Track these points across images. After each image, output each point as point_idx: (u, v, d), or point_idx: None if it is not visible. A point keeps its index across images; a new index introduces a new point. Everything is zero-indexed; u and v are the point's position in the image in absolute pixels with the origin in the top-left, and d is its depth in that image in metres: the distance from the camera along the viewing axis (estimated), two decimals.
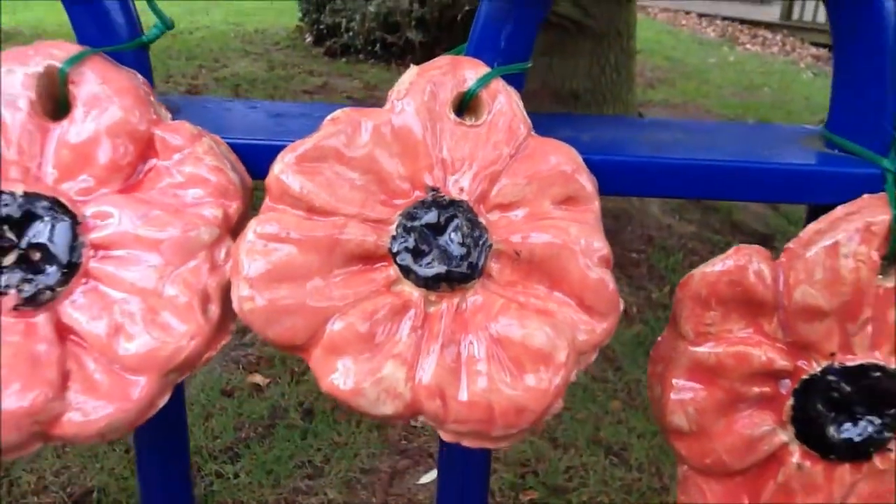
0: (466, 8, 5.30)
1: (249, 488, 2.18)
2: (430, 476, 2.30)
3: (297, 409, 2.47)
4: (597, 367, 2.74)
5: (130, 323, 0.26)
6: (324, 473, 2.27)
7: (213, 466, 2.27)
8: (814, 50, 7.69)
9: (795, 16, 7.96)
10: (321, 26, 5.64)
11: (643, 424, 2.54)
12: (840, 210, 0.30)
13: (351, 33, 5.46)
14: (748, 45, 7.81)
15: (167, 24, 0.31)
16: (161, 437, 0.37)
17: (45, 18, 6.53)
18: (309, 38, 5.89)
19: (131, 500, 2.09)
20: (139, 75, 0.30)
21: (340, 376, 0.26)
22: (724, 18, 8.59)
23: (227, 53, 5.73)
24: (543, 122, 0.30)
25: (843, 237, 0.29)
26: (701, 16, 8.71)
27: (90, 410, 0.26)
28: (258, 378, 2.58)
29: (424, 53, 5.46)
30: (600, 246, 0.28)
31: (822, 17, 7.97)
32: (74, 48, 0.28)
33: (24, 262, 0.26)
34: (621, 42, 3.66)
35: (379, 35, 5.40)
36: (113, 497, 2.11)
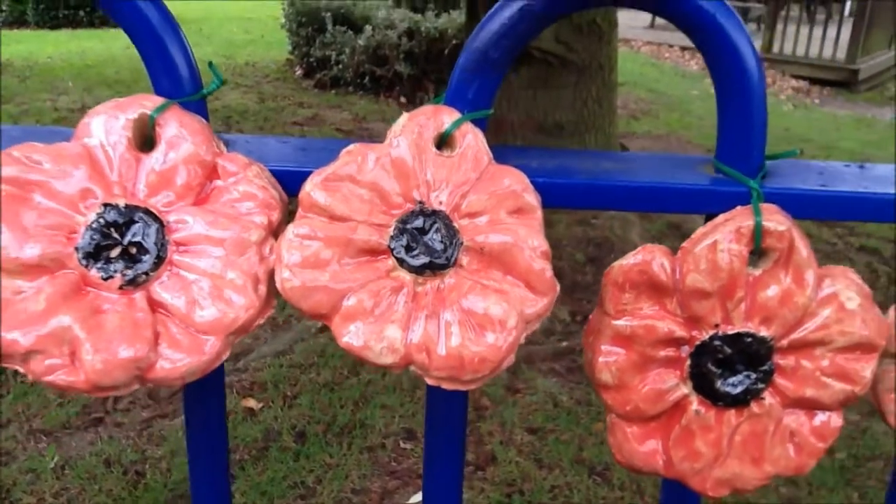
0: (454, 42, 5.46)
1: None
2: (419, 496, 2.39)
3: (290, 433, 2.57)
4: (581, 391, 2.84)
5: (202, 298, 0.37)
6: (316, 494, 2.36)
7: None
8: (794, 82, 7.90)
9: (776, 49, 8.17)
10: (311, 59, 5.80)
11: None
12: (720, 217, 0.41)
13: (340, 66, 5.62)
14: None
15: (221, 80, 0.42)
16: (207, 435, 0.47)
17: (35, 51, 6.66)
18: (299, 71, 6.05)
19: None
20: (203, 119, 0.41)
21: (353, 336, 0.37)
22: None
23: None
24: (508, 152, 0.42)
25: (720, 237, 0.40)
26: (683, 49, 8.93)
27: (175, 360, 0.36)
28: (252, 402, 2.66)
29: (412, 85, 5.62)
30: (541, 244, 0.39)
31: (801, 50, 8.19)
32: (159, 100, 0.40)
33: (126, 255, 0.37)
34: (603, 75, 3.81)
35: (368, 68, 5.56)
36: None
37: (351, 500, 2.20)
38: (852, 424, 2.62)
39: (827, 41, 8.02)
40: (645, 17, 9.42)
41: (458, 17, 5.64)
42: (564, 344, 2.99)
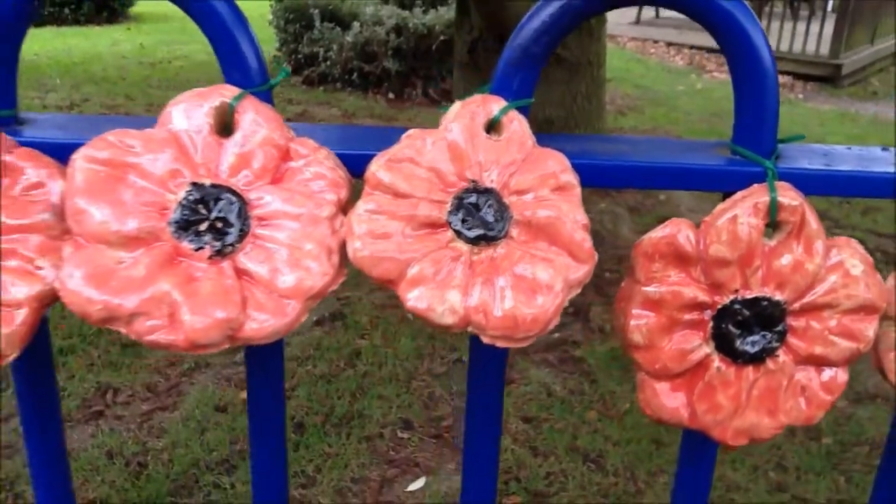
0: (441, 38, 5.51)
1: (246, 497, 2.31)
2: (418, 484, 2.44)
3: (288, 423, 2.60)
4: (574, 381, 2.90)
5: (283, 266, 0.42)
6: (316, 483, 2.41)
7: (210, 478, 2.40)
8: (779, 77, 7.99)
9: None
10: (299, 56, 5.82)
11: (618, 433, 2.70)
12: (738, 194, 0.46)
13: (328, 62, 5.65)
14: (715, 73, 8.10)
15: (288, 73, 0.46)
16: None
17: (21, 49, 6.64)
18: (287, 68, 6.09)
19: None
20: (273, 107, 0.45)
21: (418, 300, 0.42)
22: (692, 47, 8.89)
23: (206, 83, 5.89)
24: (543, 139, 0.46)
25: (740, 212, 0.46)
26: (669, 45, 9.01)
27: (261, 321, 0.41)
28: None
29: (400, 82, 5.66)
30: (581, 217, 0.44)
31: (785, 45, 8.28)
32: (235, 90, 0.44)
33: (213, 229, 0.42)
34: (592, 72, 3.87)
35: (356, 64, 5.60)
36: None
37: (351, 488, 2.24)
38: (838, 411, 2.69)
39: (810, 37, 8.12)
40: (630, 13, 9.48)
41: (445, 13, 5.68)
42: (557, 335, 3.04)
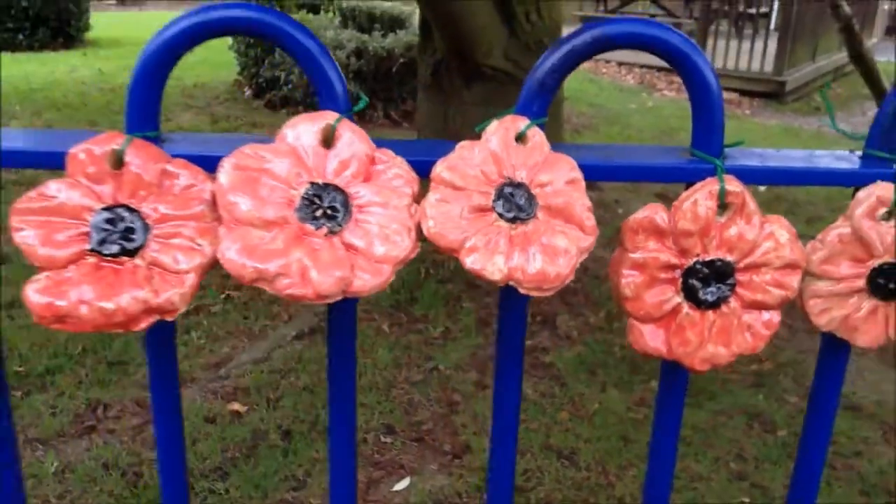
0: (401, 60, 5.71)
1: (241, 501, 2.46)
2: (403, 484, 2.60)
3: (276, 432, 2.75)
4: (544, 385, 3.08)
5: (377, 241, 0.59)
6: (307, 486, 2.56)
7: (205, 484, 2.54)
8: (726, 94, 8.35)
9: None
10: (260, 80, 5.98)
11: (589, 431, 2.90)
12: (698, 185, 0.65)
13: (290, 86, 5.82)
14: (665, 91, 8.43)
15: (367, 100, 0.64)
16: None
17: (34, 73, 6.70)
18: (248, 92, 6.22)
19: None
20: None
21: (474, 262, 0.59)
22: (642, 66, 9.24)
23: (169, 107, 6.01)
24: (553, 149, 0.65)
25: (699, 197, 0.64)
26: (620, 64, 9.34)
27: (364, 281, 0.58)
28: (237, 406, 2.84)
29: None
30: (587, 202, 0.62)
31: (731, 63, 8.65)
32: (335, 115, 0.61)
33: (326, 215, 0.59)
34: None
35: None
36: None
37: None
38: (792, 405, 2.92)
39: (755, 55, 8.52)
40: None
41: (404, 36, 5.89)
42: (528, 342, 3.23)
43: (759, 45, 8.54)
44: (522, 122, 0.63)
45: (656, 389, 0.76)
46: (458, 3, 3.43)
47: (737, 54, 8.59)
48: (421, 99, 4.20)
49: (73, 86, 6.54)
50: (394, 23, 6.35)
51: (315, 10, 7.10)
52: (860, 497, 2.42)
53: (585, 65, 9.52)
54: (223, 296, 3.35)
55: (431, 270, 3.73)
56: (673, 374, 0.73)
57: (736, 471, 2.53)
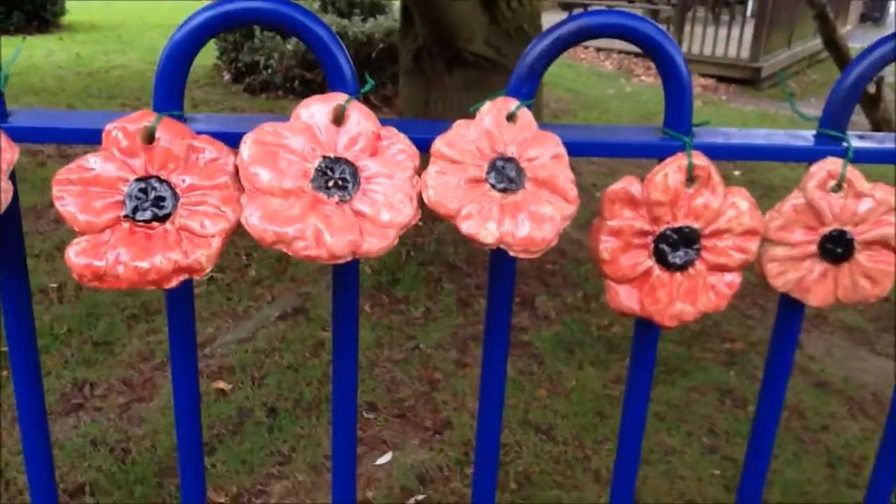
0: (381, 45, 5.76)
1: (227, 476, 2.54)
2: (385, 458, 2.69)
3: (261, 409, 2.82)
4: (523, 363, 3.17)
5: (383, 208, 0.66)
6: (292, 461, 2.64)
7: None
8: (703, 80, 8.48)
9: (685, 48, 8.72)
10: (239, 64, 6.01)
11: (566, 407, 3.00)
12: (668, 160, 0.73)
13: (270, 71, 5.86)
14: (643, 77, 8.54)
15: (374, 84, 0.71)
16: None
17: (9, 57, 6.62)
18: (228, 76, 6.24)
19: (121, 491, 2.41)
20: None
21: (469, 227, 0.67)
22: (620, 52, 9.33)
23: (147, 92, 6.03)
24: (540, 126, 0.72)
25: (669, 171, 0.72)
26: (598, 50, 9.42)
27: (372, 243, 0.66)
28: (222, 384, 2.91)
29: None
30: (570, 175, 0.70)
31: (708, 49, 8.76)
32: (344, 96, 0.69)
33: (337, 185, 0.66)
34: None
35: (297, 72, 5.81)
36: (104, 489, 2.43)
37: (324, 464, 2.46)
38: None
39: (732, 41, 8.65)
40: (560, 19, 9.85)
41: (384, 21, 5.93)
42: None
43: (735, 31, 8.68)
44: (513, 103, 0.71)
45: None
46: None
47: (714, 41, 8.72)
48: (403, 84, 4.27)
49: (51, 70, 6.53)
50: (373, 8, 6.39)
51: None
52: (827, 469, 2.54)
53: None
54: (207, 277, 3.40)
55: (412, 253, 3.81)
56: (645, 329, 0.81)
57: (708, 444, 2.64)
